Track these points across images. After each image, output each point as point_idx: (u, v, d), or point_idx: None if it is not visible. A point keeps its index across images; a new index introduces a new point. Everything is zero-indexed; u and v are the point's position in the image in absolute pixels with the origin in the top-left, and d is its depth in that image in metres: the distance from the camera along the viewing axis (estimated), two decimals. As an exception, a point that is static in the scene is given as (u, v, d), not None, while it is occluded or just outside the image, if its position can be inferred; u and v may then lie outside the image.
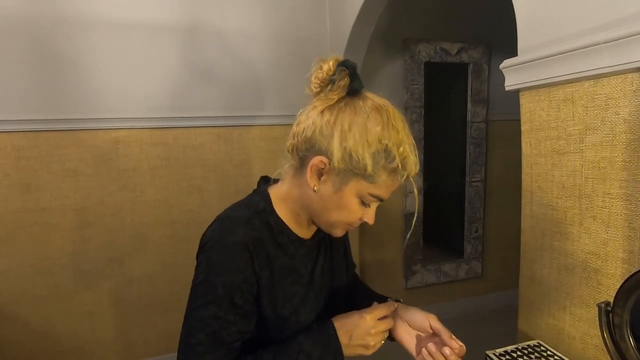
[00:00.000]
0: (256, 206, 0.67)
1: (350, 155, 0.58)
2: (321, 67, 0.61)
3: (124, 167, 1.99)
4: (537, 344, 0.90)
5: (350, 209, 0.63)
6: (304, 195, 0.65)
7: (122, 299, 2.04)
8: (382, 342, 0.67)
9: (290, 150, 0.66)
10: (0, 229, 1.82)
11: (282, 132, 2.20)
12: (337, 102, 0.61)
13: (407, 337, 0.71)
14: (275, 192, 0.70)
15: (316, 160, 0.61)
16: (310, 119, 0.62)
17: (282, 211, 0.68)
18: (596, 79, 0.77)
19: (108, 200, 1.98)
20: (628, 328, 0.61)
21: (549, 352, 0.86)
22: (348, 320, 0.66)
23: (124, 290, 2.04)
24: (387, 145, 0.58)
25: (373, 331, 0.65)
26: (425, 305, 2.57)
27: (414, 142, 0.63)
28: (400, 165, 0.59)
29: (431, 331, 0.69)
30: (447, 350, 0.64)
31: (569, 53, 0.78)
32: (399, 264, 2.56)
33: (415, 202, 0.68)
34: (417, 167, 0.63)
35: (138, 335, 2.08)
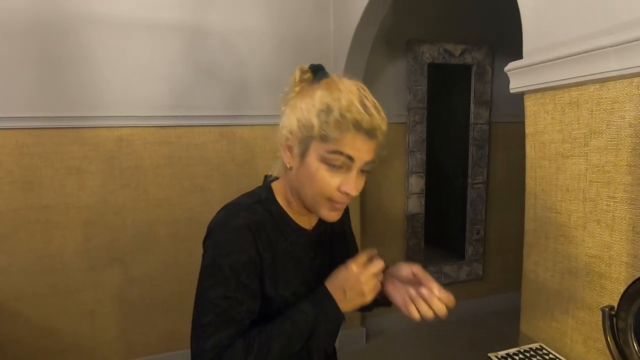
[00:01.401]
0: (259, 195, 0.72)
1: (300, 122, 0.64)
2: (293, 77, 0.71)
3: (127, 165, 1.99)
4: (539, 346, 0.90)
5: (320, 177, 0.64)
6: (290, 181, 0.70)
7: (123, 297, 2.04)
8: (378, 284, 0.68)
9: (278, 147, 0.72)
10: (3, 226, 1.83)
11: None
12: (299, 92, 0.69)
13: (397, 293, 0.70)
14: (276, 185, 0.75)
15: (283, 138, 0.68)
16: (283, 113, 0.71)
17: (282, 201, 0.73)
18: (602, 82, 0.76)
19: (110, 198, 1.98)
20: (632, 333, 0.61)
21: (551, 355, 0.86)
22: (336, 277, 0.67)
23: (126, 289, 2.04)
24: (327, 102, 0.62)
25: (363, 278, 0.65)
26: (426, 307, 2.58)
27: (372, 100, 0.64)
28: (340, 115, 0.61)
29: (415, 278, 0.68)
30: (424, 290, 0.64)
31: (575, 56, 0.78)
32: (400, 265, 2.56)
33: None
34: (374, 119, 0.62)
35: (139, 334, 2.08)
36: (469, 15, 2.50)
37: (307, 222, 0.75)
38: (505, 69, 0.97)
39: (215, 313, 0.63)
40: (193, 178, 2.09)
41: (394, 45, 2.38)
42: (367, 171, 0.67)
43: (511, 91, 0.97)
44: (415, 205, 2.54)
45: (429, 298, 0.63)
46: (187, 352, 2.09)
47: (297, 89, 0.70)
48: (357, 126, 0.61)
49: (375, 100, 0.65)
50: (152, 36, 1.94)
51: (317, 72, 0.69)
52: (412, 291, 0.65)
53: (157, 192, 2.05)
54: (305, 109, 0.64)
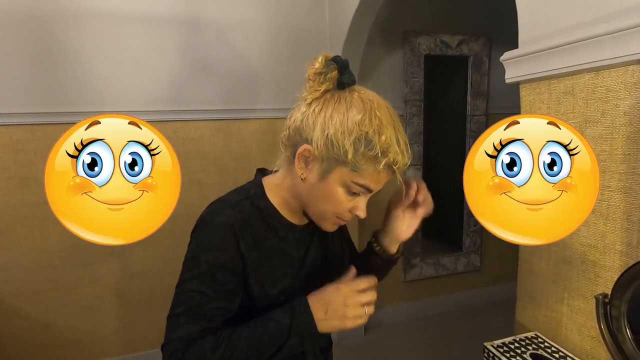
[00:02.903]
0: (247, 192, 0.71)
1: (332, 142, 0.60)
2: (313, 63, 0.64)
3: (123, 160, 1.98)
4: (534, 335, 0.91)
5: (336, 199, 0.64)
6: (296, 185, 0.68)
7: (122, 292, 2.05)
8: (364, 316, 0.62)
9: (283, 142, 0.69)
10: (2, 222, 1.82)
11: (281, 125, 2.16)
12: (324, 94, 0.63)
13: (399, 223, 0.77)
14: (268, 181, 0.73)
15: (302, 148, 0.63)
16: (299, 110, 0.65)
17: (274, 197, 0.71)
18: (597, 71, 0.76)
19: (107, 194, 1.97)
20: (625, 320, 0.62)
21: (546, 344, 0.87)
22: (323, 293, 0.63)
23: (124, 284, 2.05)
24: (367, 132, 0.59)
25: (350, 302, 0.61)
26: (424, 298, 2.60)
27: (404, 136, 0.63)
28: (380, 153, 0.59)
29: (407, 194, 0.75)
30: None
31: (570, 45, 0.78)
32: (398, 258, 2.57)
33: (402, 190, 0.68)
34: (405, 159, 0.62)
35: (138, 329, 2.09)
36: (465, 6, 2.48)
37: (298, 219, 0.73)
38: (501, 58, 0.96)
39: (188, 305, 0.64)
40: (190, 173, 2.09)
41: (390, 36, 2.36)
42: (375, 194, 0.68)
43: (507, 81, 0.97)
44: (413, 197, 2.54)
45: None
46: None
47: (321, 87, 0.63)
48: (394, 165, 0.62)
49: (404, 134, 0.64)
50: (148, 30, 1.92)
51: (345, 71, 0.64)
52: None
53: (154, 187, 2.04)
54: (339, 129, 0.60)
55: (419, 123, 2.49)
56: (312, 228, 0.75)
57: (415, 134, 2.49)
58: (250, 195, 0.70)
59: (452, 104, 2.84)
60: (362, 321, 0.62)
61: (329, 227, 0.69)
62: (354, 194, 0.64)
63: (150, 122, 2.23)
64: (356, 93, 0.63)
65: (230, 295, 0.65)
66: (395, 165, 0.61)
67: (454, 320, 2.56)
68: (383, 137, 0.59)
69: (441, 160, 2.98)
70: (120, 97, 1.92)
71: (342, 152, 0.60)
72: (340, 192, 0.63)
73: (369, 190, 0.64)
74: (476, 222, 2.71)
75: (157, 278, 2.10)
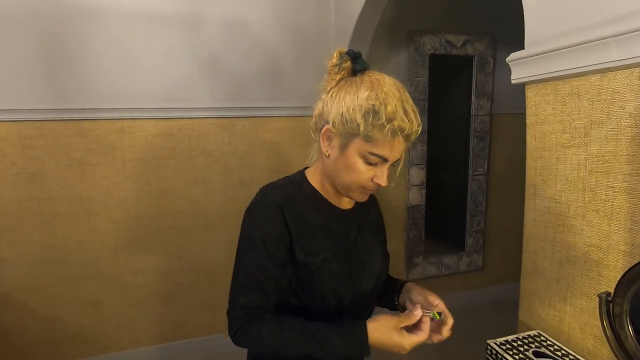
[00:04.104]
0: (292, 178, 0.82)
1: (346, 119, 0.68)
2: (330, 59, 0.74)
3: (129, 157, 2.00)
4: (537, 333, 0.92)
5: (357, 169, 0.71)
6: (325, 165, 0.77)
7: (126, 288, 2.07)
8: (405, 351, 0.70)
9: (312, 129, 0.78)
10: (7, 218, 1.84)
11: (285, 123, 2.21)
12: (339, 82, 0.72)
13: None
14: (309, 170, 0.83)
15: (324, 129, 0.72)
16: (321, 100, 0.75)
17: (315, 183, 0.80)
18: (603, 72, 0.77)
19: (113, 190, 2.00)
20: (627, 318, 0.62)
21: (548, 342, 0.88)
22: (384, 330, 0.69)
23: (129, 279, 2.07)
24: (374, 105, 0.66)
25: (406, 345, 0.68)
26: (426, 297, 2.61)
27: (412, 106, 0.68)
28: (386, 120, 0.65)
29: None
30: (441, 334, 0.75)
31: (576, 47, 0.78)
32: (401, 256, 2.58)
33: (396, 171, 0.78)
34: (413, 126, 0.67)
35: (142, 324, 2.12)
36: (470, 6, 2.48)
37: (340, 203, 0.81)
38: (507, 59, 0.97)
39: (247, 274, 0.74)
40: (195, 170, 2.10)
41: (395, 36, 2.37)
42: (397, 164, 0.74)
43: (512, 82, 0.97)
44: (416, 196, 2.55)
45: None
46: (190, 341, 2.14)
47: (337, 77, 0.72)
48: (402, 132, 0.67)
49: (413, 104, 0.69)
50: (154, 28, 1.93)
51: (357, 60, 0.72)
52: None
53: (159, 183, 2.06)
54: (350, 106, 0.68)
55: (423, 122, 2.49)
56: (355, 214, 0.83)
57: (420, 133, 2.49)
58: (295, 181, 0.80)
59: (456, 103, 2.84)
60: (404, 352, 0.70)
61: (357, 196, 0.76)
62: (372, 164, 0.70)
63: (156, 119, 2.25)
64: (366, 76, 0.71)
65: (280, 263, 0.74)
66: (403, 132, 0.67)
67: (456, 319, 2.55)
68: (389, 107, 0.66)
69: (445, 160, 2.99)
70: (126, 94, 1.94)
71: (355, 125, 0.67)
72: (360, 162, 0.70)
73: (385, 159, 0.69)
74: (479, 222, 2.72)
75: (160, 274, 2.12)
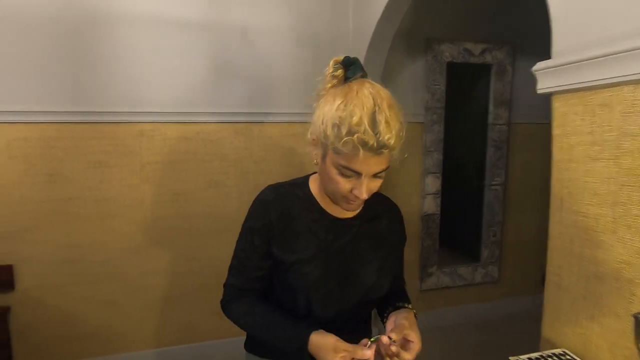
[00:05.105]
0: (296, 180, 0.85)
1: (320, 129, 0.68)
2: (327, 68, 0.74)
3: (147, 160, 2.03)
4: (562, 352, 0.89)
5: (334, 180, 0.70)
6: (318, 173, 0.79)
7: (141, 289, 2.09)
8: None
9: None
10: (28, 217, 1.88)
11: (302, 129, 2.21)
12: (330, 89, 0.72)
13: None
14: (315, 175, 0.85)
15: (310, 137, 0.74)
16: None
17: (314, 188, 0.82)
18: (636, 84, 0.74)
19: (130, 192, 2.02)
20: (666, 341, 0.59)
21: (575, 362, 0.85)
22: (324, 343, 0.69)
23: (143, 280, 2.08)
24: (341, 116, 0.65)
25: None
26: (439, 308, 2.56)
27: (387, 117, 0.64)
28: (347, 132, 0.63)
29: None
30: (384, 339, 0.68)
31: (608, 57, 0.76)
32: (415, 265, 2.55)
33: (363, 187, 0.68)
34: (381, 137, 0.63)
35: (155, 325, 2.13)
36: (489, 14, 2.46)
37: (336, 210, 0.81)
38: (533, 69, 0.95)
39: (237, 260, 0.83)
40: (210, 174, 2.12)
41: (413, 43, 2.36)
42: (380, 176, 0.70)
43: (538, 91, 0.95)
44: (431, 205, 2.51)
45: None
46: (202, 344, 2.14)
47: (328, 85, 0.72)
48: (364, 145, 0.63)
49: (389, 114, 0.64)
50: (174, 33, 1.97)
51: (349, 68, 0.71)
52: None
53: (175, 187, 2.08)
54: (324, 117, 0.67)
55: (440, 130, 2.47)
56: (353, 223, 0.82)
57: (435, 141, 2.47)
58: (297, 183, 0.83)
59: (473, 112, 2.81)
60: None
61: (344, 206, 0.75)
62: (348, 177, 0.68)
63: (174, 123, 2.28)
64: (351, 84, 0.69)
65: (263, 254, 0.80)
66: (366, 146, 0.63)
67: (470, 332, 2.51)
68: (354, 119, 0.63)
69: (460, 169, 2.95)
70: (146, 98, 1.97)
71: (325, 136, 0.67)
72: (335, 173, 0.69)
73: (355, 172, 0.67)
74: (495, 233, 2.66)
75: (174, 276, 2.13)
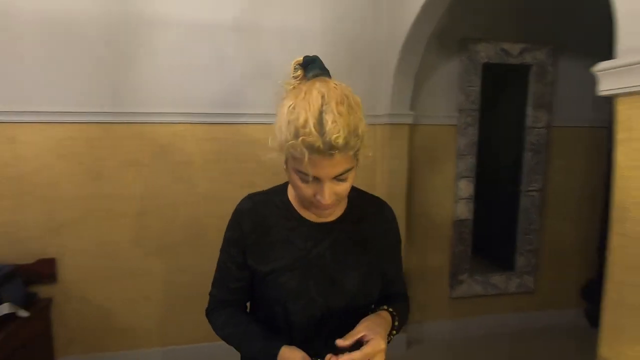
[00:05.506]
0: (276, 188, 0.82)
1: (275, 134, 0.65)
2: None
3: (179, 160, 2.07)
4: (624, 374, 0.82)
5: (297, 186, 0.67)
6: None
7: (172, 286, 2.13)
8: None
9: None
10: (70, 213, 1.96)
11: None
12: (289, 92, 0.68)
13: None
14: None
15: (271, 142, 0.69)
16: None
17: (292, 195, 0.79)
18: None
19: (164, 191, 2.07)
20: None
21: (641, 386, 0.78)
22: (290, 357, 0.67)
23: (174, 278, 2.12)
24: (289, 120, 0.62)
25: None
26: (471, 317, 2.48)
27: (335, 112, 0.60)
28: (294, 135, 0.60)
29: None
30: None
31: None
32: (445, 272, 2.47)
33: (325, 193, 0.65)
34: (328, 137, 0.58)
35: (185, 322, 2.16)
36: (529, 12, 2.36)
37: (314, 215, 0.77)
38: (595, 69, 0.89)
39: (218, 270, 0.83)
40: (244, 175, 2.13)
41: (447, 44, 2.29)
42: (343, 179, 0.66)
43: (600, 93, 0.89)
44: (464, 210, 2.43)
45: None
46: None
47: (290, 87, 0.69)
48: (311, 148, 0.59)
49: (337, 112, 0.60)
50: (209, 36, 2.00)
51: (307, 67, 0.69)
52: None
53: (206, 187, 2.11)
54: (279, 120, 0.64)
55: (474, 133, 2.39)
56: (333, 227, 0.78)
57: (469, 144, 2.39)
58: (275, 190, 0.81)
59: (509, 114, 2.70)
60: None
61: (314, 211, 0.73)
62: (308, 181, 0.65)
63: (207, 123, 2.31)
64: (301, 86, 0.65)
65: (240, 265, 0.78)
66: (312, 148, 0.59)
67: (502, 343, 2.41)
68: (300, 121, 0.60)
69: (493, 174, 2.84)
70: (182, 99, 2.01)
71: (279, 140, 0.64)
72: (296, 179, 0.66)
73: (311, 176, 0.63)
74: (531, 241, 2.55)
75: (206, 274, 2.14)
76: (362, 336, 0.66)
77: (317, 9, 2.09)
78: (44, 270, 1.93)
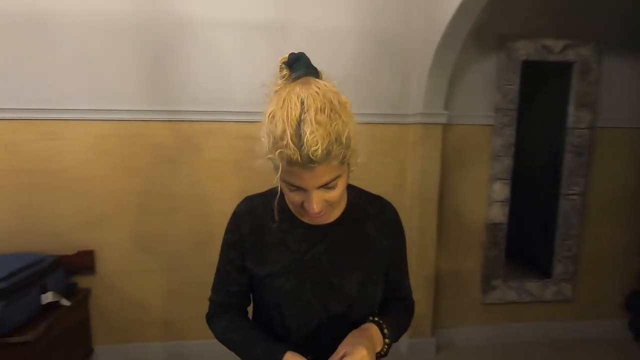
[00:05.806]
0: (271, 190, 0.79)
1: (260, 141, 0.63)
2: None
3: (212, 157, 2.10)
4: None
5: (286, 193, 0.66)
6: None
7: (202, 282, 2.15)
8: None
9: None
10: (108, 208, 2.03)
11: (368, 130, 2.12)
12: (274, 94, 0.65)
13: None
14: None
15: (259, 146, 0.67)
16: None
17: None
18: None
19: (196, 188, 2.10)
20: None
21: None
22: None
23: (204, 274, 2.15)
24: (268, 128, 0.60)
25: None
26: (504, 324, 2.39)
27: (313, 122, 0.56)
28: (272, 145, 0.58)
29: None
30: None
31: None
32: (477, 277, 2.40)
33: (312, 201, 0.63)
34: (306, 150, 0.56)
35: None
36: (571, 7, 2.24)
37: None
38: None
39: (217, 275, 0.82)
40: (274, 172, 2.14)
41: (484, 41, 2.21)
42: (331, 187, 0.63)
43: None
44: (498, 214, 2.35)
45: None
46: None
47: (276, 88, 0.65)
48: (289, 161, 0.57)
49: (316, 123, 0.56)
50: (243, 36, 2.02)
51: (292, 66, 0.65)
52: None
53: (238, 184, 2.13)
54: (262, 126, 0.62)
55: (511, 134, 2.30)
56: (331, 230, 0.75)
57: (506, 145, 2.31)
58: (272, 193, 0.77)
59: (547, 114, 2.59)
60: None
61: (308, 219, 0.72)
62: (294, 190, 0.63)
63: (241, 122, 2.33)
64: (280, 90, 0.63)
65: (239, 268, 0.77)
66: (290, 161, 0.57)
67: (536, 352, 2.31)
68: (278, 132, 0.57)
69: (530, 176, 2.73)
70: (215, 98, 2.05)
71: (264, 150, 0.62)
72: (284, 185, 0.65)
73: (296, 187, 0.62)
74: (570, 247, 2.43)
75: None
76: (343, 354, 0.64)
77: (351, 6, 2.07)
78: (84, 262, 2.01)
